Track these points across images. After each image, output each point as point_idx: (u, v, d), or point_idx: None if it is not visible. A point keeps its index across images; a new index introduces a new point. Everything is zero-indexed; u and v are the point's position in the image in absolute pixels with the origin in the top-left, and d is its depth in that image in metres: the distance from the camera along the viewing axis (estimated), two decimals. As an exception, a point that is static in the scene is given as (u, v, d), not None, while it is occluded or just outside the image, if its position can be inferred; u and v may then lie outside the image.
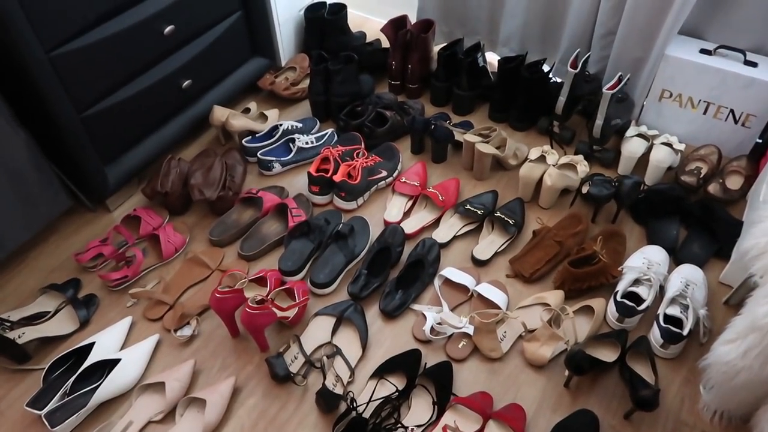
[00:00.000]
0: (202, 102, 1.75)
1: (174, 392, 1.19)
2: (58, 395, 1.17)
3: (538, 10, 1.86)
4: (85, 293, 1.42)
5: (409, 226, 1.54)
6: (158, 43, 1.53)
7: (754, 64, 1.58)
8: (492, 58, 2.07)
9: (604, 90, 1.58)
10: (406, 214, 1.60)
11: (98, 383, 1.19)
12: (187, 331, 1.30)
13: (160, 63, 1.57)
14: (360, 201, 1.62)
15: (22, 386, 1.26)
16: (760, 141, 1.65)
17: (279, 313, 1.23)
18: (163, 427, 1.19)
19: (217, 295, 1.21)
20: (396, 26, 1.94)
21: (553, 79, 1.86)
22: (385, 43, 2.12)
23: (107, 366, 1.21)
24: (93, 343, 1.25)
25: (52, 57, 1.27)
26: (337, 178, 1.56)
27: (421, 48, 1.90)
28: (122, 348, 1.29)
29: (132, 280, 1.42)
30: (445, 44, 1.96)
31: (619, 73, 1.63)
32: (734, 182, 1.60)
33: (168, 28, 1.52)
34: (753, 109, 1.60)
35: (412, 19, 2.03)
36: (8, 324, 1.29)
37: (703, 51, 1.63)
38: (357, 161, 1.63)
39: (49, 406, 1.15)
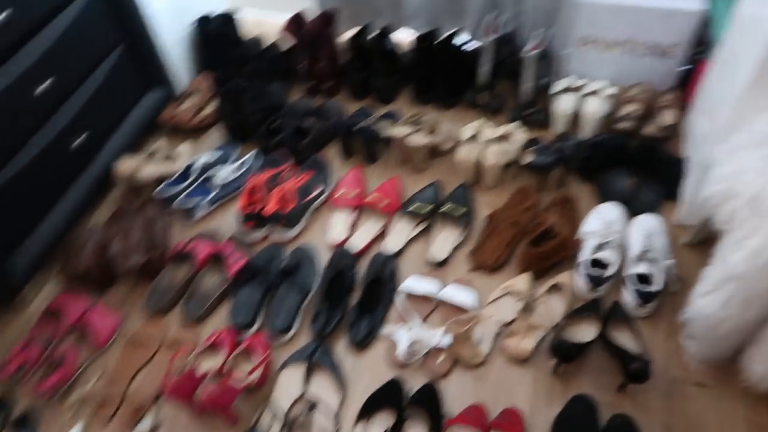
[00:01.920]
0: (101, 156, 1.57)
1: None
2: None
3: (436, -23, 1.76)
4: (19, 413, 1.23)
5: (357, 242, 1.44)
6: (33, 107, 1.35)
7: (663, -7, 1.53)
8: (408, 38, 1.96)
9: (526, 53, 1.50)
10: (352, 228, 1.49)
11: None
12: (146, 425, 1.17)
13: (42, 127, 1.39)
14: (300, 227, 1.51)
15: None
16: (686, 68, 1.62)
17: (242, 383, 1.12)
18: None
19: (171, 385, 1.09)
20: (296, 24, 1.79)
21: (471, 47, 1.77)
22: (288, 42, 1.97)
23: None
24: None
25: None
26: (268, 210, 1.44)
27: (326, 43, 1.77)
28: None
29: (69, 382, 1.26)
30: (356, 31, 1.83)
31: (539, 30, 1.55)
32: (669, 117, 1.57)
33: (40, 88, 1.33)
34: (674, 38, 1.56)
35: (313, 11, 1.88)
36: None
37: (611, -10, 1.57)
38: (286, 184, 1.50)
39: None
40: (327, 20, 1.79)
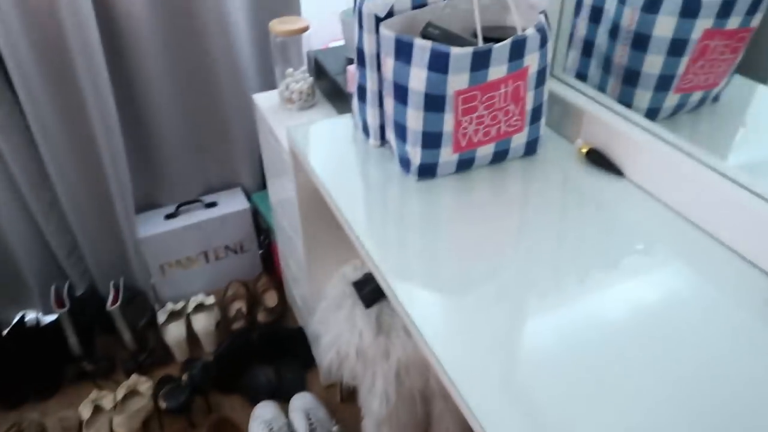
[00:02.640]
0: None
1: None
2: None
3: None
4: None
5: None
6: None
7: (214, 204, 1.69)
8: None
9: (110, 307, 1.42)
10: None
11: None
12: None
13: None
14: None
15: None
16: (263, 253, 1.81)
17: None
18: None
19: None
20: None
21: (48, 322, 1.59)
22: None
23: None
24: None
25: None
26: None
27: None
28: None
29: None
30: None
31: (114, 280, 1.50)
32: (271, 299, 1.70)
33: None
34: (240, 235, 1.72)
35: None
36: None
37: (168, 216, 1.65)
38: None
39: None
40: None
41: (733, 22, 0.91)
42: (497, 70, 0.80)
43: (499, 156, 0.92)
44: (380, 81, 0.91)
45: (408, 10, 0.87)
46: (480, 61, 0.78)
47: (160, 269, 1.66)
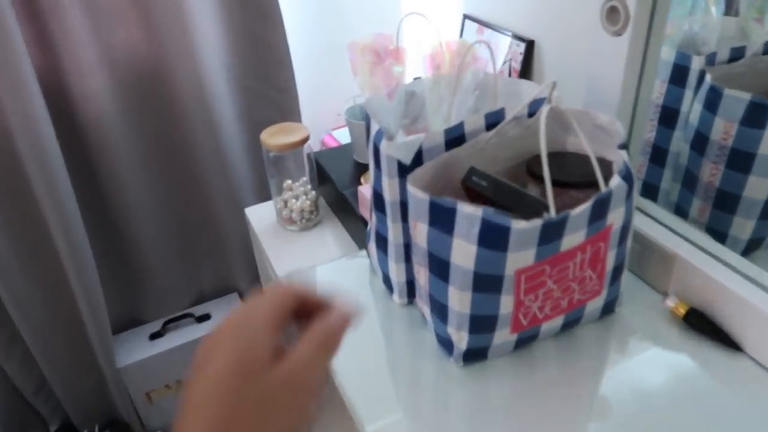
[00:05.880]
0: None
1: None
2: None
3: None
4: None
5: None
6: None
7: (207, 317, 1.47)
8: None
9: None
10: None
11: None
12: None
13: None
14: None
15: None
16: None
17: None
18: None
19: None
20: None
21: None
22: None
23: None
24: None
25: None
26: None
27: None
28: None
29: None
30: None
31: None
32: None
33: None
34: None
35: None
36: None
37: (153, 336, 1.42)
38: None
39: None
40: None
41: None
42: (573, 238, 0.58)
43: (570, 325, 0.69)
44: (406, 233, 0.69)
45: (441, 147, 0.65)
46: (551, 233, 0.56)
47: (146, 397, 1.43)
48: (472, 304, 0.60)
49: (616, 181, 0.58)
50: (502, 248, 0.55)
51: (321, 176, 1.09)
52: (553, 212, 0.55)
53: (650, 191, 0.90)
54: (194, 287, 1.45)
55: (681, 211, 0.84)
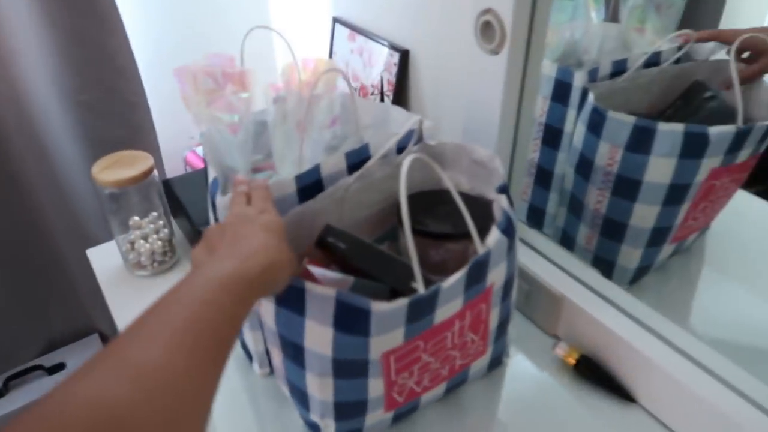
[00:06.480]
0: None
1: None
2: None
3: None
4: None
5: None
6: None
7: (61, 367, 1.26)
8: None
9: None
10: None
11: None
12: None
13: None
14: None
15: None
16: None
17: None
18: None
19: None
20: None
21: None
22: None
23: None
24: None
25: None
26: None
27: None
28: None
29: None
30: None
31: None
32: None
33: None
34: None
35: None
36: None
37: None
38: None
39: None
40: None
41: (744, 154, 0.66)
42: (448, 308, 0.48)
43: (454, 388, 0.61)
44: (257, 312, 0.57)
45: (293, 197, 0.53)
46: (422, 310, 0.46)
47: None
48: (335, 391, 0.50)
49: (494, 237, 0.49)
50: (363, 333, 0.45)
51: (176, 207, 0.94)
52: (421, 288, 0.45)
53: (536, 215, 0.83)
54: (41, 334, 1.24)
55: (568, 238, 0.78)
